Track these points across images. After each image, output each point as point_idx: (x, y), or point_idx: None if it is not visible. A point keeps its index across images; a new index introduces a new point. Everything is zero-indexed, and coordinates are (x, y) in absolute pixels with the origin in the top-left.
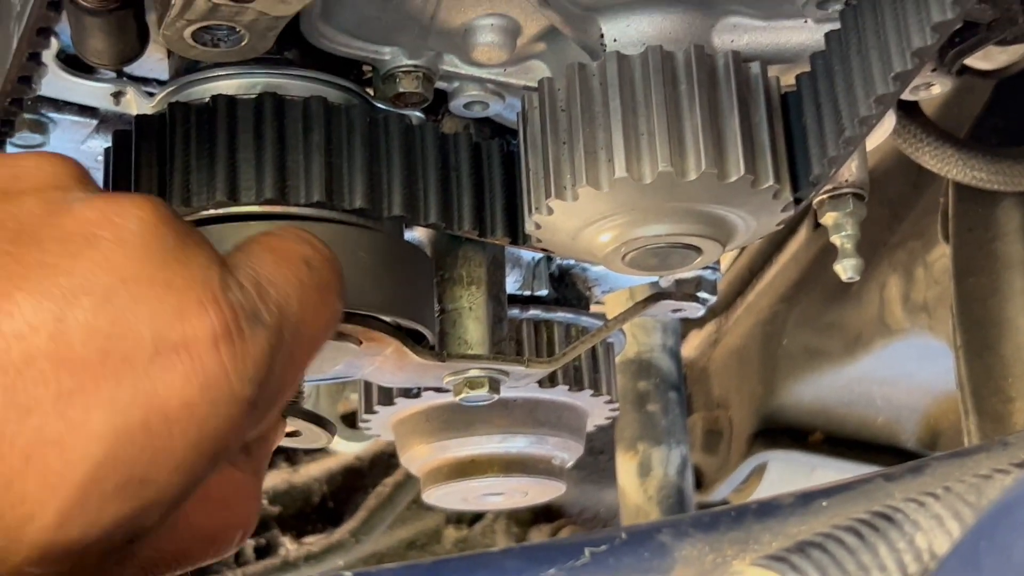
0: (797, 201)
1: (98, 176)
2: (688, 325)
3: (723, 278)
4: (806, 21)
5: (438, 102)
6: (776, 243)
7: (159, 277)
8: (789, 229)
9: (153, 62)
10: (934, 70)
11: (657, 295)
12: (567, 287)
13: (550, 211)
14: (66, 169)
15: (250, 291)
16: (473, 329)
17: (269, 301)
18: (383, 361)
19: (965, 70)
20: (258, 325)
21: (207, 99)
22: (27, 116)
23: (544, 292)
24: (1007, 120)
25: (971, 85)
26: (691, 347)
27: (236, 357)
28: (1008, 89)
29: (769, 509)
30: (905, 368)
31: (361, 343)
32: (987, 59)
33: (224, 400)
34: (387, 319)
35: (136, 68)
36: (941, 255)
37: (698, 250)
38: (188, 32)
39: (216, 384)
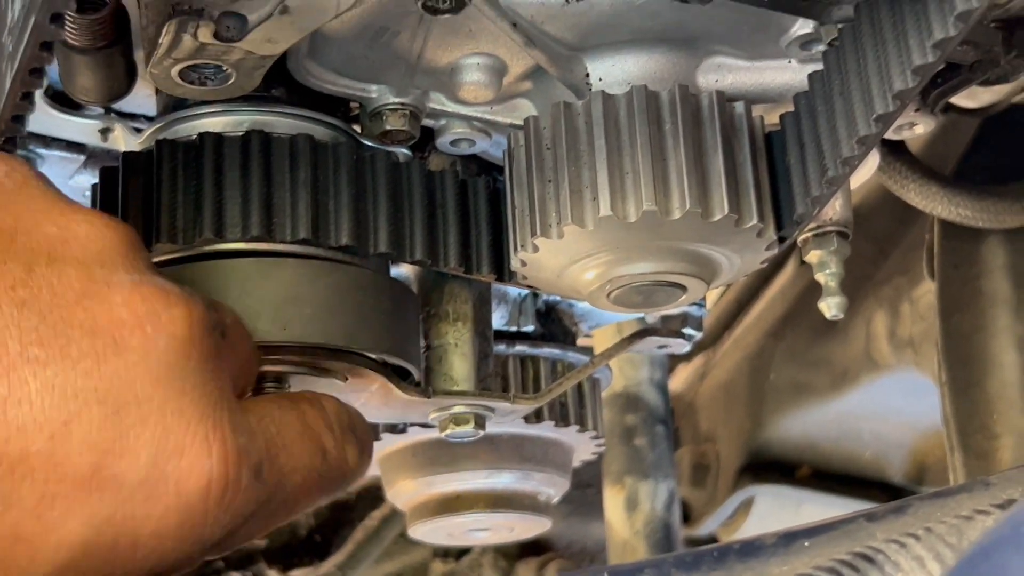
0: (781, 240)
1: None
2: (676, 359)
3: (711, 312)
4: (790, 62)
5: (425, 139)
6: (763, 278)
7: (172, 404)
8: (776, 264)
9: (141, 98)
10: (917, 110)
11: (643, 331)
12: (553, 323)
13: (535, 249)
14: (116, 242)
15: (261, 445)
16: (459, 365)
17: (276, 464)
18: (369, 397)
19: (950, 108)
20: (256, 480)
21: (194, 136)
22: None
23: (530, 328)
24: (992, 158)
25: (957, 122)
26: (679, 381)
27: (222, 506)
28: (993, 127)
29: (751, 549)
30: (892, 403)
31: (347, 379)
32: (971, 98)
33: (192, 539)
34: (373, 356)
35: (124, 104)
36: (927, 291)
37: (683, 288)
38: (175, 71)
39: (191, 525)
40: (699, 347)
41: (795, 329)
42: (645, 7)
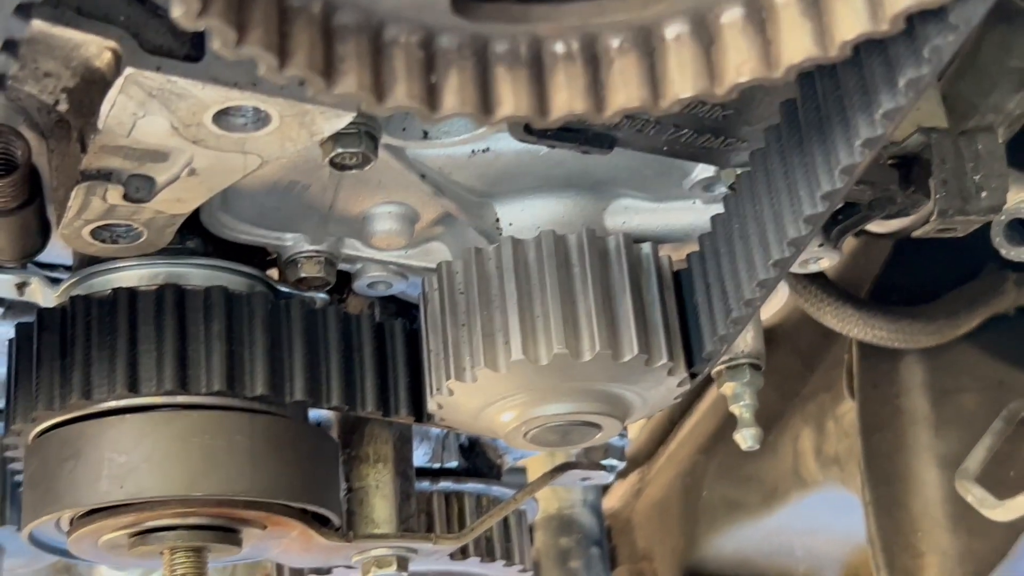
0: (693, 375)
1: (3, 365)
2: None
3: (645, 427)
4: (694, 202)
5: (342, 282)
6: (695, 392)
7: None
8: (708, 378)
9: (59, 249)
10: (821, 245)
11: (564, 465)
12: (477, 456)
13: (451, 392)
14: None
15: None
16: (380, 507)
17: None
18: (289, 543)
19: (863, 231)
20: None
21: (108, 291)
22: None
23: (454, 463)
24: (907, 277)
25: (871, 244)
26: (615, 498)
27: None
28: (908, 247)
29: None
30: (822, 519)
31: (266, 527)
32: (881, 225)
33: None
34: (292, 504)
35: (42, 256)
36: (850, 408)
37: (597, 427)
38: (86, 231)
39: None
40: (634, 463)
41: (726, 445)
42: (550, 156)
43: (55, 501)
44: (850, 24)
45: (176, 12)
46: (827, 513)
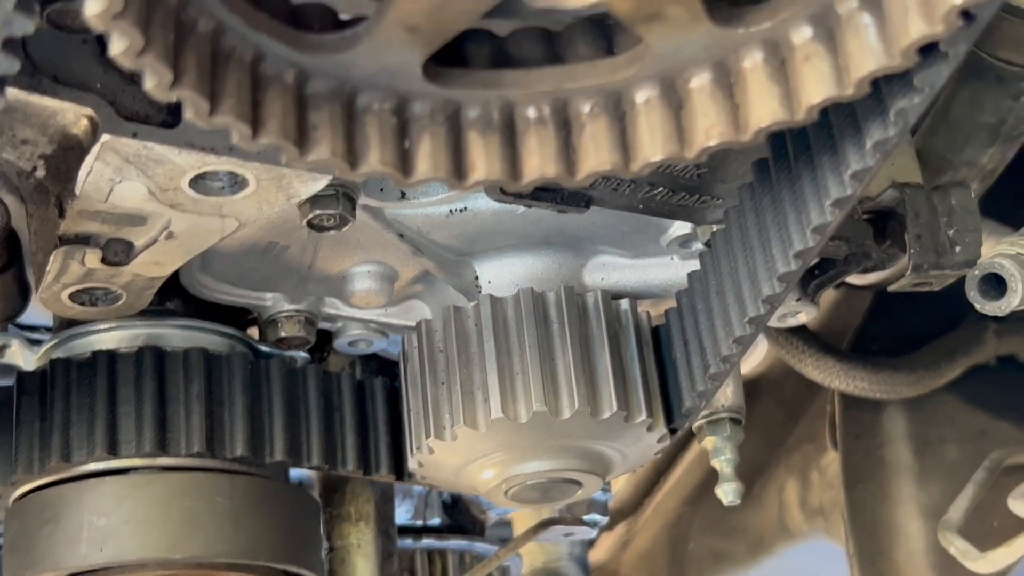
0: (672, 431)
1: None
2: None
3: (630, 479)
4: (672, 258)
5: (323, 340)
6: (680, 443)
7: None
8: (692, 430)
9: (39, 310)
10: (798, 300)
11: (547, 521)
12: (460, 513)
13: (431, 451)
14: None
15: None
16: (362, 567)
17: None
18: None
19: (844, 283)
20: None
21: (88, 354)
22: None
23: (437, 521)
24: (887, 329)
25: (853, 294)
26: (601, 550)
27: None
28: (888, 299)
29: None
30: (808, 570)
31: None
32: (860, 278)
33: None
34: (272, 565)
35: (22, 318)
36: (834, 459)
37: (578, 483)
38: (65, 295)
39: None
40: (620, 515)
41: (711, 496)
42: (527, 214)
43: (34, 565)
44: (816, 88)
45: (149, 84)
46: (813, 563)
